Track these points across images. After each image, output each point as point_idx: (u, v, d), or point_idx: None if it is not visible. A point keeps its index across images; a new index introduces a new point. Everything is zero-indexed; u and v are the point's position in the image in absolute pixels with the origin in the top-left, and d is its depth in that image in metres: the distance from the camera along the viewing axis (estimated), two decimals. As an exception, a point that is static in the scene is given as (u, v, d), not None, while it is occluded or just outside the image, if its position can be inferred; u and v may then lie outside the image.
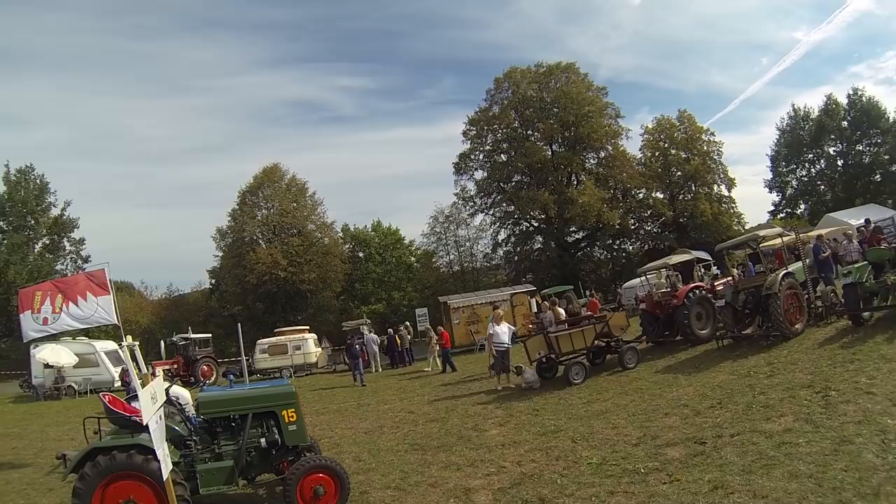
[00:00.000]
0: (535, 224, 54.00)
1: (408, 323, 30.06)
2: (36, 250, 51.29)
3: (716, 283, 17.72)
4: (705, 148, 53.12)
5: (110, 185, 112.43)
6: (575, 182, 51.97)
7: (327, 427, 13.27)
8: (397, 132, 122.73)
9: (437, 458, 9.17)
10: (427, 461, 9.04)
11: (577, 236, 54.61)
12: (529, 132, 52.33)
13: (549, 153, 52.08)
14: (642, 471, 6.89)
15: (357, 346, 23.14)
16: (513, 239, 55.33)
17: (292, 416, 7.59)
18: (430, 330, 23.95)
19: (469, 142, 54.06)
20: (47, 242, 52.43)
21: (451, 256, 59.62)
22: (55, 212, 52.35)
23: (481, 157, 54.35)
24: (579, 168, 51.72)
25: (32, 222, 51.08)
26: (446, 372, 21.55)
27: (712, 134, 53.92)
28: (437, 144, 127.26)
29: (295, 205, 52.84)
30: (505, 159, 53.35)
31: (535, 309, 28.23)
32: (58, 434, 16.32)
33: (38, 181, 51.79)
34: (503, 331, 15.83)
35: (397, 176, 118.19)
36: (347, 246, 58.19)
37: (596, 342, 15.20)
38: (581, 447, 8.44)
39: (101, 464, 6.44)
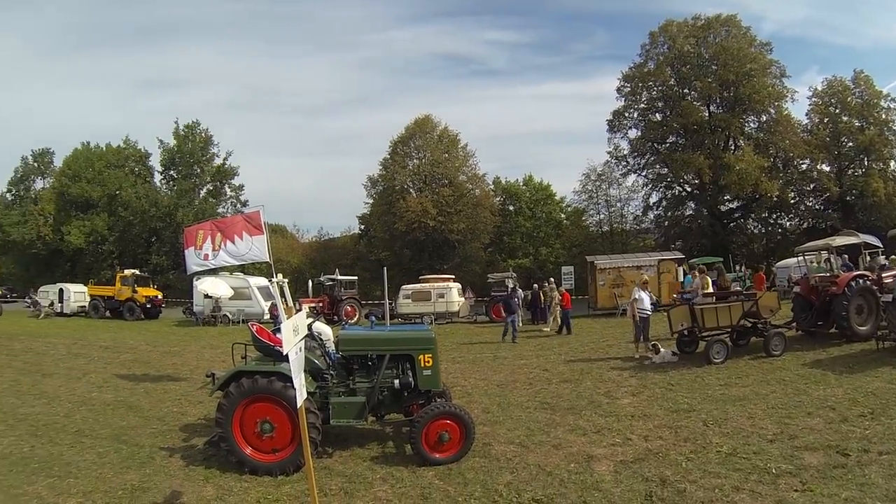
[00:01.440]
0: (688, 189, 51.02)
1: (552, 279, 29.94)
2: (201, 195, 57.86)
3: (884, 275, 15.65)
4: (884, 116, 46.52)
5: (267, 137, 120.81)
6: (732, 147, 47.94)
7: (461, 376, 13.64)
8: (549, 87, 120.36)
9: (565, 419, 9.24)
10: (554, 421, 9.13)
11: (730, 206, 50.67)
12: (686, 91, 48.78)
13: (707, 114, 48.26)
14: (774, 471, 6.53)
15: (516, 300, 22.27)
16: (664, 203, 52.63)
17: (428, 362, 7.86)
18: (554, 290, 23.69)
19: (623, 99, 51.42)
20: (211, 188, 59.21)
21: (601, 216, 58.01)
22: (218, 161, 58.99)
23: (635, 115, 51.56)
24: (738, 132, 47.62)
25: (198, 171, 58.04)
26: (561, 333, 21.41)
27: (893, 100, 46.97)
28: (591, 101, 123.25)
29: (446, 155, 53.07)
30: (660, 118, 50.31)
31: (681, 278, 27.17)
32: (211, 355, 18.27)
33: (203, 135, 58.37)
34: (647, 297, 15.41)
35: (549, 131, 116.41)
36: (498, 199, 57.70)
37: (742, 321, 14.25)
38: (712, 432, 8.12)
39: (245, 385, 7.19)
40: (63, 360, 17.87)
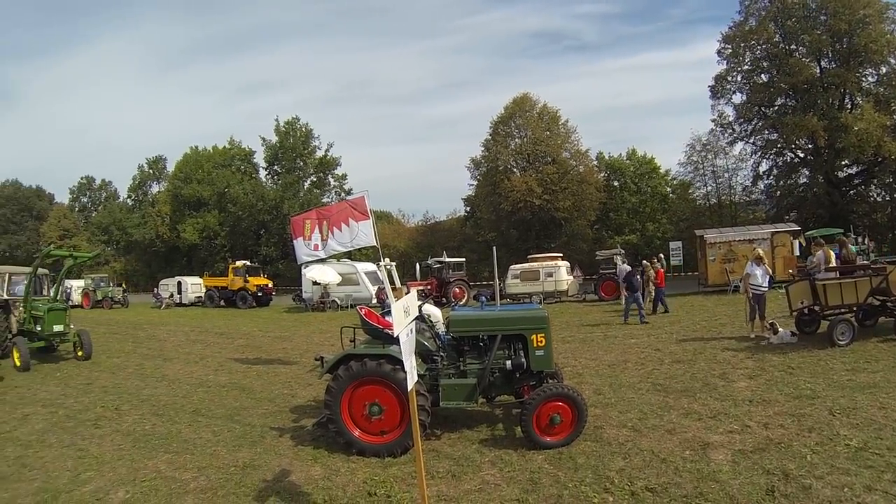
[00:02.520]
0: (801, 155, 46.50)
1: (661, 255, 28.77)
2: (305, 187, 60.45)
3: None
4: None
5: (366, 128, 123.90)
6: (849, 105, 42.99)
7: (571, 356, 13.35)
8: (645, 57, 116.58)
9: (679, 402, 8.80)
10: (668, 404, 8.72)
11: (849, 171, 45.66)
12: (793, 47, 44.04)
13: (818, 71, 43.27)
14: (911, 471, 5.80)
15: (638, 277, 20.58)
16: (775, 171, 48.37)
17: (541, 342, 7.58)
18: (649, 267, 22.63)
19: (725, 62, 47.52)
20: (314, 179, 61.77)
21: (709, 188, 54.72)
22: (319, 153, 61.33)
23: (739, 78, 47.57)
24: (854, 88, 42.12)
25: (301, 164, 60.65)
26: (656, 312, 20.56)
27: None
28: (690, 67, 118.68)
29: (548, 133, 52.08)
30: (766, 80, 45.98)
31: (797, 252, 25.50)
32: (320, 340, 18.74)
33: (302, 129, 60.76)
34: (761, 273, 14.34)
35: (649, 103, 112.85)
36: (602, 174, 56.03)
37: (869, 299, 12.93)
38: (839, 422, 7.39)
39: (353, 368, 7.21)
40: (182, 346, 19.02)
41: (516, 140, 53.04)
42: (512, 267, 31.34)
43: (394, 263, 9.25)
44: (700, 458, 6.49)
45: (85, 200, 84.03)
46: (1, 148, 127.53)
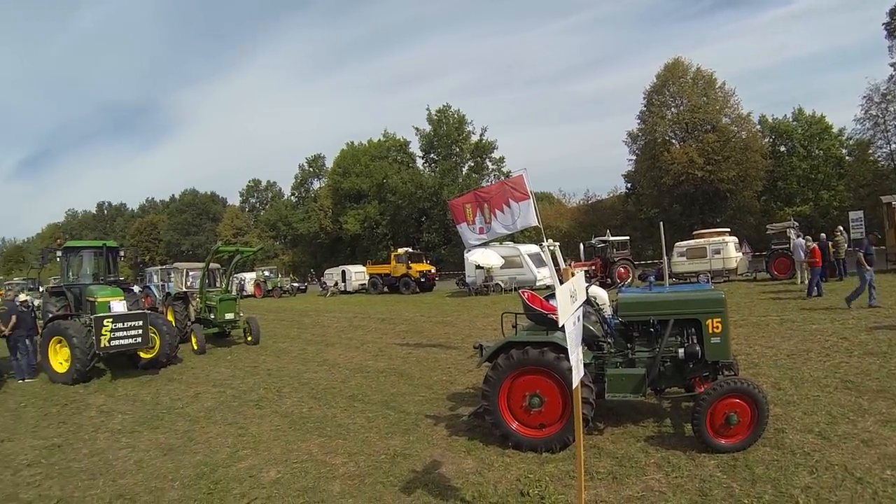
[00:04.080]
0: None
1: (841, 228, 25.37)
2: (463, 172, 60.43)
3: None
4: None
5: (518, 110, 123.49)
6: None
7: (745, 343, 11.83)
8: (803, 2, 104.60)
9: (875, 405, 7.21)
10: (861, 407, 7.17)
11: None
12: None
13: None
14: None
15: (872, 250, 16.89)
16: None
17: (717, 327, 6.64)
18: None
19: None
20: (472, 164, 61.51)
21: (893, 146, 46.94)
22: (474, 138, 60.85)
23: None
24: None
25: (457, 150, 60.76)
26: (811, 296, 17.72)
27: None
28: (857, 6, 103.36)
29: (705, 99, 48.23)
30: None
31: None
32: (483, 324, 18.36)
33: (455, 116, 60.81)
34: None
35: (813, 55, 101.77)
36: (767, 139, 50.90)
37: None
38: None
39: (514, 357, 6.61)
40: (344, 332, 19.44)
41: (672, 109, 49.66)
42: (677, 244, 29.19)
43: (557, 244, 8.47)
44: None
45: (253, 201, 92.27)
46: (179, 162, 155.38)
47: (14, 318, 13.37)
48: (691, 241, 28.88)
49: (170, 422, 9.14)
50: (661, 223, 9.20)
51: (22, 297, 15.68)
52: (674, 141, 49.26)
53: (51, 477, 7.02)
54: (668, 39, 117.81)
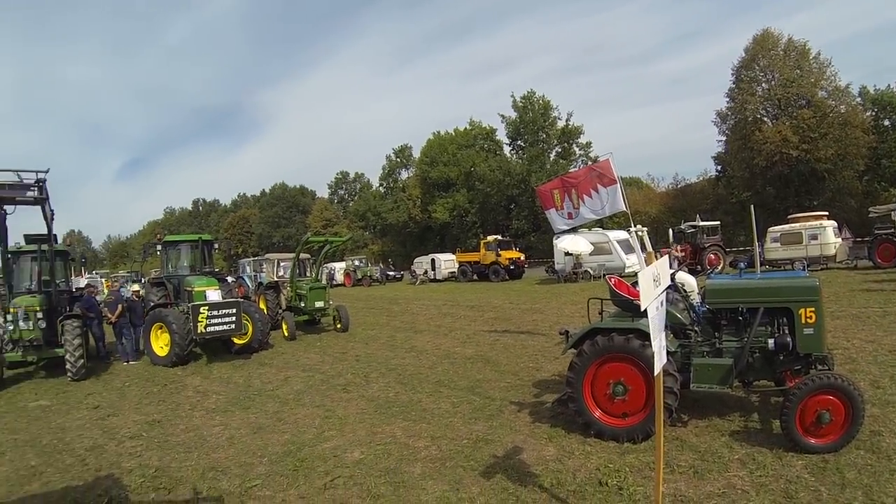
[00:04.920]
0: None
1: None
2: (551, 158, 59.96)
3: None
4: None
5: (604, 93, 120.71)
6: None
7: (842, 335, 11.05)
8: None
9: None
10: None
11: None
12: None
13: None
14: None
15: None
16: None
17: (811, 317, 6.22)
18: None
19: None
20: (559, 150, 60.97)
21: None
22: (560, 123, 60.17)
23: None
24: None
25: (543, 136, 60.39)
26: None
27: None
28: None
29: (798, 72, 45.09)
30: None
31: None
32: (571, 311, 18.13)
33: (540, 101, 60.24)
34: None
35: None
36: (869, 113, 46.63)
37: None
38: None
39: (599, 343, 6.51)
40: (433, 319, 19.64)
41: (763, 85, 46.87)
42: (771, 229, 27.74)
43: (645, 229, 8.25)
44: None
45: (342, 192, 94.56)
46: (268, 158, 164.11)
47: (120, 307, 14.54)
48: (786, 226, 27.45)
49: (260, 403, 9.54)
50: (753, 207, 8.71)
51: (135, 287, 17.05)
52: (766, 119, 46.58)
53: (150, 449, 7.52)
54: (756, 6, 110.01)
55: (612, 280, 7.24)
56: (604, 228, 33.91)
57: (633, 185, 60.13)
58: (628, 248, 29.92)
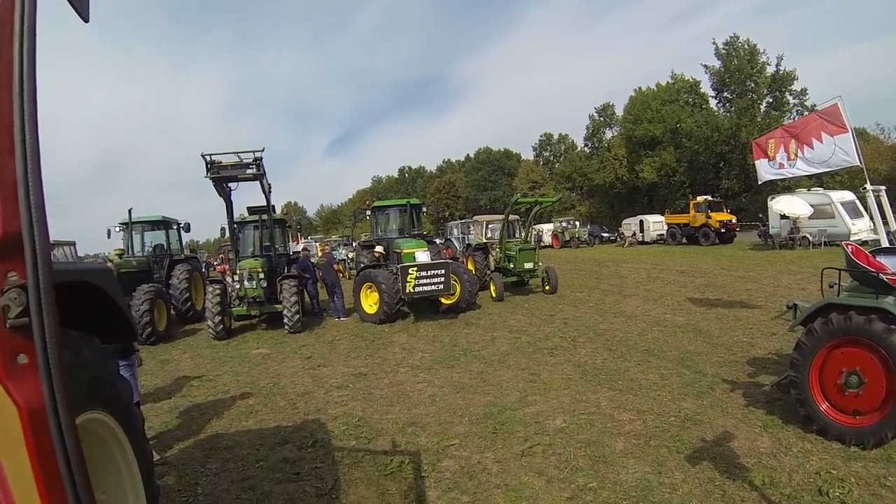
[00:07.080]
0: None
1: None
2: (762, 110, 53.94)
3: None
4: None
5: (817, 28, 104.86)
6: None
7: None
8: None
9: None
10: None
11: None
12: None
13: None
14: None
15: None
16: None
17: None
18: None
19: None
20: (770, 100, 54.44)
21: None
22: (770, 70, 53.67)
23: None
24: None
25: (752, 85, 54.20)
26: None
27: None
28: None
29: None
30: None
31: None
32: (788, 282, 16.67)
33: (745, 46, 54.24)
34: None
35: None
36: None
37: None
38: None
39: (834, 322, 5.55)
40: (642, 284, 19.05)
41: None
42: None
43: (883, 187, 7.20)
44: None
45: (547, 154, 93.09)
46: (470, 124, 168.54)
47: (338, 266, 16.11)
48: None
49: (465, 363, 9.88)
50: None
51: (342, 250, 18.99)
52: None
53: (355, 399, 8.18)
54: None
55: (850, 248, 6.09)
56: (825, 188, 30.10)
57: (859, 137, 51.68)
58: (854, 211, 26.20)
